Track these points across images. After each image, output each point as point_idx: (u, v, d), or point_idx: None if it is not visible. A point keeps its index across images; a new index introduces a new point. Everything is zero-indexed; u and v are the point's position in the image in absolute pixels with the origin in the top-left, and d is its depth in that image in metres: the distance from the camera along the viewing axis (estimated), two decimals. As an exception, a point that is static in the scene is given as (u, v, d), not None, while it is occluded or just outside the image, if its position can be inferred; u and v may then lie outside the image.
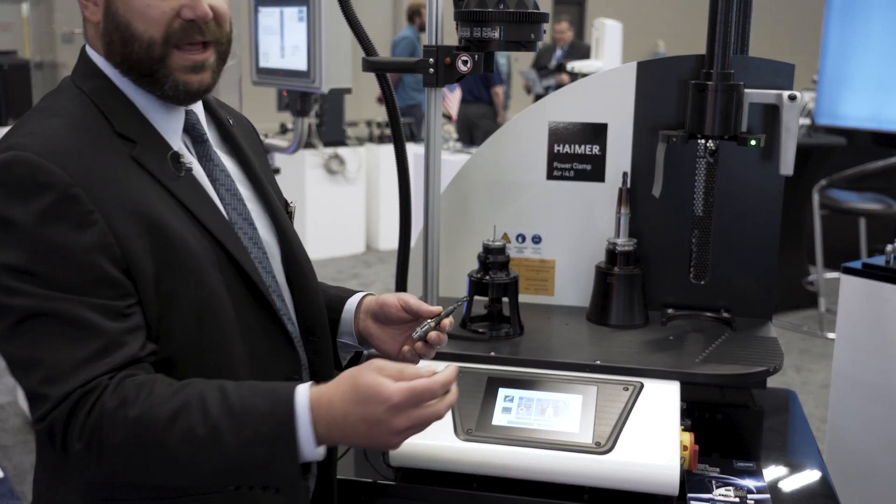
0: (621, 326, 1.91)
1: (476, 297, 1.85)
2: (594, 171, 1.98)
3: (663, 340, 1.84)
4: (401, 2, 11.20)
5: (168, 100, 1.27)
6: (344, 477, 1.63)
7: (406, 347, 1.45)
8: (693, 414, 1.74)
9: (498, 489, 1.57)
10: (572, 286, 2.04)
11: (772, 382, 1.95)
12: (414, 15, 8.25)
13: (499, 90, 8.10)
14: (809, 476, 1.68)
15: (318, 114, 7.03)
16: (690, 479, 1.58)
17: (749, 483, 1.59)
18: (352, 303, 1.52)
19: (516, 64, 9.63)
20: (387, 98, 1.93)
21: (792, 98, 1.78)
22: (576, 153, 1.99)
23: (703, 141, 1.79)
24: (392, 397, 1.11)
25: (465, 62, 1.74)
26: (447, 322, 1.42)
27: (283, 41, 2.72)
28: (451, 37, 1.81)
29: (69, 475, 1.25)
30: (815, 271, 5.81)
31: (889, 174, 5.40)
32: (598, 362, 1.69)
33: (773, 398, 2.01)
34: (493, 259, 1.83)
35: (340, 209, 7.43)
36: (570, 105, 1.98)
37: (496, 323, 1.87)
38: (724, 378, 1.71)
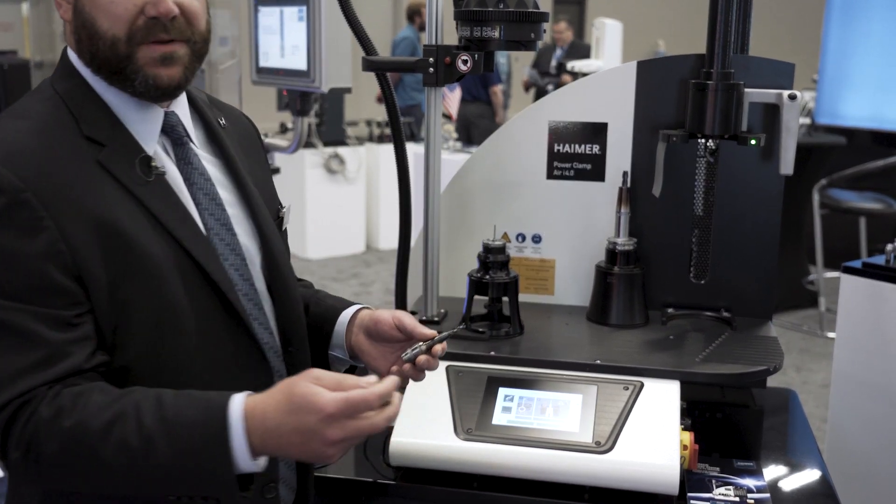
0: (621, 326, 1.91)
1: (476, 297, 1.85)
2: (594, 170, 1.98)
3: (663, 340, 1.84)
4: (401, 1, 11.20)
5: (141, 97, 1.25)
6: (344, 476, 1.63)
7: (394, 367, 1.40)
8: (693, 413, 1.74)
9: (498, 489, 1.57)
10: (572, 286, 2.04)
11: (772, 382, 1.95)
12: (414, 15, 8.25)
13: (497, 89, 8.09)
14: (809, 475, 1.68)
15: (318, 113, 7.02)
16: (690, 479, 1.58)
17: (749, 482, 1.59)
18: (346, 315, 1.48)
19: (516, 63, 9.63)
20: (387, 97, 1.93)
21: (792, 97, 1.77)
22: (576, 153, 1.99)
23: (703, 140, 1.79)
24: (326, 407, 1.08)
25: (465, 62, 1.74)
26: (439, 348, 1.38)
27: (283, 41, 2.72)
28: (451, 36, 1.81)
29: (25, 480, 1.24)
30: (815, 271, 5.81)
31: (889, 173, 5.40)
32: (599, 362, 1.69)
33: (773, 398, 2.01)
34: (493, 258, 1.82)
35: (340, 209, 7.42)
36: (570, 104, 1.98)
37: (496, 322, 1.86)
38: (725, 377, 1.71)
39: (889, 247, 2.30)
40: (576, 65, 6.33)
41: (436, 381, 1.66)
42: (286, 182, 5.46)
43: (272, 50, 2.78)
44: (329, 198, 7.32)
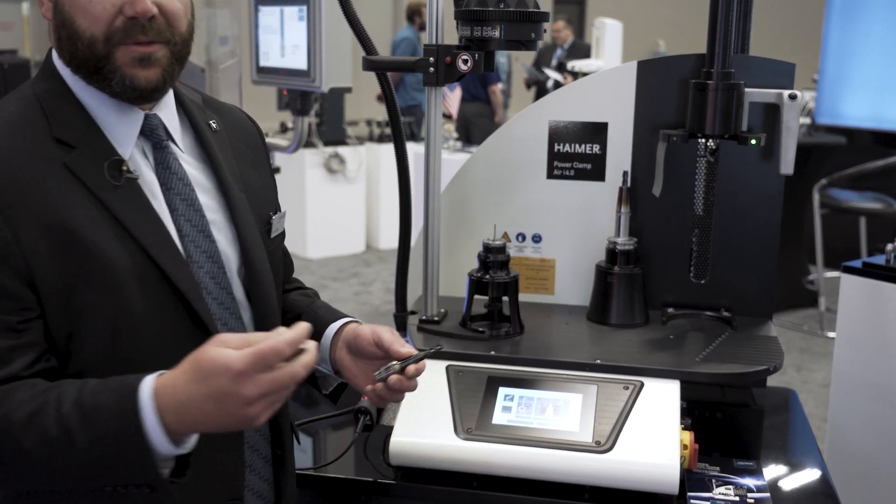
0: (621, 325, 1.91)
1: (476, 297, 1.85)
2: (594, 170, 1.98)
3: (663, 339, 1.84)
4: (401, 1, 11.19)
5: (118, 97, 1.23)
6: (344, 476, 1.63)
7: (368, 387, 1.34)
8: (693, 413, 1.74)
9: (498, 488, 1.57)
10: (572, 285, 2.04)
11: (772, 381, 1.95)
12: (414, 14, 8.24)
13: (496, 88, 8.08)
14: (809, 475, 1.68)
15: (318, 113, 7.03)
16: (690, 478, 1.58)
17: (749, 482, 1.59)
18: (332, 329, 1.44)
19: (516, 63, 9.63)
20: (387, 97, 1.93)
21: (792, 97, 1.77)
22: (576, 152, 1.99)
23: (703, 140, 1.79)
24: (234, 364, 1.03)
25: (465, 61, 1.74)
26: (412, 368, 1.32)
27: (283, 40, 2.72)
28: (451, 36, 1.81)
29: None
30: (815, 270, 5.81)
31: (889, 173, 5.40)
32: (599, 361, 1.69)
33: (773, 397, 2.01)
34: (493, 258, 1.82)
35: (340, 208, 7.42)
36: (570, 104, 1.98)
37: (496, 322, 1.86)
38: (725, 377, 1.71)
39: (889, 247, 2.30)
40: (576, 64, 6.33)
41: (436, 381, 1.66)
42: (286, 182, 5.45)
43: (272, 49, 2.78)
44: (329, 197, 7.32)
